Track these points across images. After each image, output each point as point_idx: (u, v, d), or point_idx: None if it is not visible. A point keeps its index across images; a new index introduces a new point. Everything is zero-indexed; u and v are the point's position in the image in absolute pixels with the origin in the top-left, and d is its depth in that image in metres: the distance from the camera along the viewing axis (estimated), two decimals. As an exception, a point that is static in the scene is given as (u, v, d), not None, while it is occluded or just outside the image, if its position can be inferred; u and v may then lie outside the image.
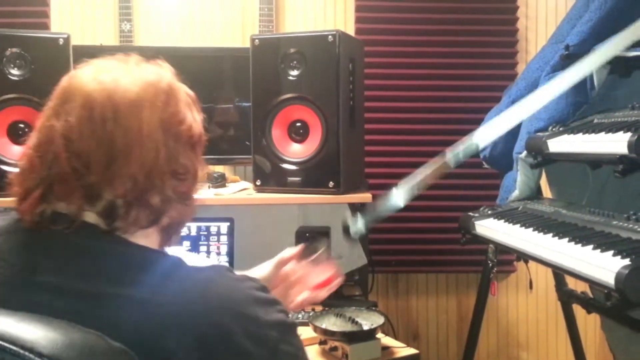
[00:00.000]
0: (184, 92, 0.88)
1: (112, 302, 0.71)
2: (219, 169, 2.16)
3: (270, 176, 1.87)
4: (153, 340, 0.69)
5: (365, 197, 1.88)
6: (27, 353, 0.58)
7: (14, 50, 1.75)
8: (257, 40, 1.86)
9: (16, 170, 0.83)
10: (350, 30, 2.40)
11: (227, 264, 1.88)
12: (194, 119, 0.88)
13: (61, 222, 0.77)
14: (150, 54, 2.25)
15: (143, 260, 0.77)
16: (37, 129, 0.82)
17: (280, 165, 1.86)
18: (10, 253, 0.78)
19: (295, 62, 1.82)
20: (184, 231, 1.87)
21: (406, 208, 2.41)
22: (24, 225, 0.79)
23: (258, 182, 1.89)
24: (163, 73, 0.87)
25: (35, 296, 0.72)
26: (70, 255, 0.77)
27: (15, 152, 1.72)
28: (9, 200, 0.84)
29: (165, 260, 0.79)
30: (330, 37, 1.78)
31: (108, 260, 0.76)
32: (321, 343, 1.58)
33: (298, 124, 1.86)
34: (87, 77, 0.82)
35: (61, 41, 1.77)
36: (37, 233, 0.78)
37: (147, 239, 0.83)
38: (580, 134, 1.40)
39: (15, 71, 1.74)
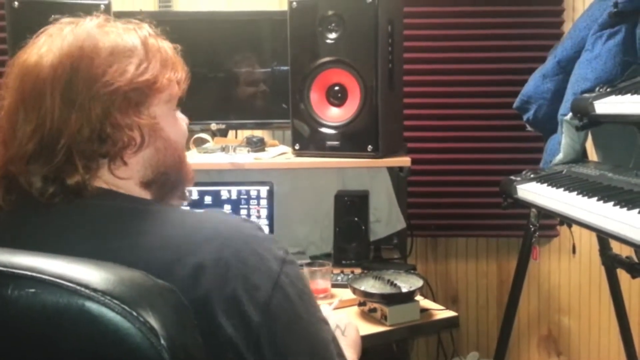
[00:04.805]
0: (109, 43, 0.85)
1: (118, 254, 0.73)
2: (258, 133, 2.17)
3: (308, 140, 1.88)
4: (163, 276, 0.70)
5: (404, 160, 1.87)
6: (83, 289, 0.62)
7: (57, 16, 1.78)
8: (294, 3, 1.84)
9: None
10: (390, -10, 2.34)
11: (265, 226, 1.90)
12: (141, 67, 0.84)
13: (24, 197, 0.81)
14: (186, 18, 2.26)
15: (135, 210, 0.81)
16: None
17: (319, 129, 1.86)
18: None
19: (333, 24, 1.80)
20: (224, 194, 1.90)
21: (446, 172, 2.40)
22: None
23: (297, 146, 1.90)
24: (79, 30, 0.86)
25: None
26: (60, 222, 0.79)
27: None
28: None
29: (154, 205, 0.83)
30: (368, -2, 1.75)
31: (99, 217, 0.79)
32: (360, 305, 1.60)
33: (336, 88, 1.85)
34: (16, 60, 0.85)
35: (102, 7, 1.80)
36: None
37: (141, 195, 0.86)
38: (629, 95, 1.35)
39: (58, 38, 1.78)
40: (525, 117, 1.93)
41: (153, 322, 0.61)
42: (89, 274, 0.63)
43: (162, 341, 0.61)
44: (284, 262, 0.78)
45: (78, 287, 0.62)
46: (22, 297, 0.62)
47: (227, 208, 1.90)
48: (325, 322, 0.84)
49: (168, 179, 0.89)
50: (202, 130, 2.07)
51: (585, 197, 1.33)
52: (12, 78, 0.83)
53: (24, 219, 0.81)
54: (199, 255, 0.73)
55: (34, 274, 0.63)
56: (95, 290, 0.61)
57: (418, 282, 1.59)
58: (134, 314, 0.61)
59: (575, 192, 1.38)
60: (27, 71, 0.82)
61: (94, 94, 0.80)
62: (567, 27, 2.28)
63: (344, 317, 1.28)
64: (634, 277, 1.72)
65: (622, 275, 1.94)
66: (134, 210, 0.81)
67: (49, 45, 0.83)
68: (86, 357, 0.61)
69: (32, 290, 0.62)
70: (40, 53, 0.83)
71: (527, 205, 1.61)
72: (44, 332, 0.62)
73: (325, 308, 1.43)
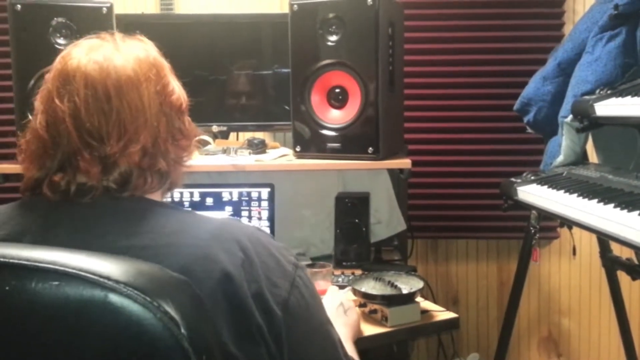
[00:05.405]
0: (166, 64, 0.94)
1: (144, 252, 0.76)
2: (259, 135, 2.18)
3: (309, 142, 1.88)
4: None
5: (404, 162, 1.87)
6: (105, 280, 0.63)
7: (60, 19, 1.79)
8: (295, 6, 1.85)
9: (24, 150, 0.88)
10: (390, -8, 2.35)
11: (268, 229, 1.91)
12: (179, 87, 0.94)
13: (84, 193, 0.83)
14: (188, 21, 2.26)
15: (165, 214, 0.84)
16: (43, 111, 0.86)
17: (320, 131, 1.86)
18: (35, 227, 0.81)
19: (334, 27, 1.81)
20: (226, 196, 1.91)
21: (447, 174, 2.41)
22: (46, 200, 0.84)
23: (298, 148, 1.90)
24: (148, 48, 0.92)
25: None
26: (99, 218, 0.81)
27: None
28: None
29: (180, 210, 0.89)
30: (369, 0, 1.75)
31: (132, 217, 0.82)
32: (361, 306, 1.60)
33: (337, 90, 1.85)
34: (82, 58, 0.86)
35: (105, 10, 1.80)
36: (62, 205, 0.83)
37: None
38: (629, 97, 1.36)
39: (60, 40, 1.79)
40: (525, 119, 1.94)
41: (173, 312, 0.63)
42: (110, 266, 0.65)
43: (183, 330, 0.62)
44: (296, 266, 0.86)
45: (101, 279, 0.63)
46: (46, 289, 0.64)
47: (229, 209, 1.91)
48: (331, 324, 0.90)
49: (173, 185, 0.95)
50: (204, 133, 2.07)
51: (586, 199, 1.34)
52: (77, 79, 0.84)
53: (63, 214, 0.83)
54: (227, 257, 0.78)
55: (57, 267, 0.65)
56: (117, 281, 0.63)
57: (418, 284, 1.59)
58: (155, 304, 0.62)
59: (576, 194, 1.39)
60: (103, 73, 0.85)
61: (168, 103, 0.89)
62: (567, 29, 2.28)
63: (350, 301, 1.37)
64: (634, 278, 1.72)
65: (623, 277, 1.94)
66: (157, 211, 0.84)
67: (120, 53, 0.87)
68: (109, 347, 0.63)
69: (56, 282, 0.64)
70: (115, 58, 0.86)
71: (527, 207, 1.62)
72: (68, 323, 0.64)
73: (333, 288, 1.52)
